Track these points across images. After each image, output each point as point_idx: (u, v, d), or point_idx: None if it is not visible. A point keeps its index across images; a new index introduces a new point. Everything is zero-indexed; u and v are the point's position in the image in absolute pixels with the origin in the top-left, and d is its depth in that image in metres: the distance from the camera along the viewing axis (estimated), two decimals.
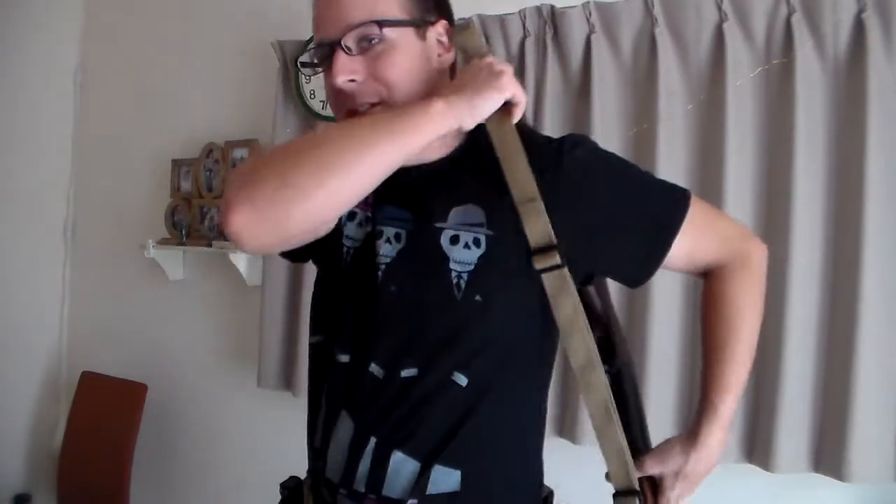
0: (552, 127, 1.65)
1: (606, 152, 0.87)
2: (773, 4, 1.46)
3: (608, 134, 1.61)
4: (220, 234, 2.11)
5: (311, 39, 1.92)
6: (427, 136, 0.74)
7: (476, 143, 0.83)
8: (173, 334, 2.38)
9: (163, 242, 2.24)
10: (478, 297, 0.79)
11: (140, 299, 2.46)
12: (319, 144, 0.73)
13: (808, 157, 1.42)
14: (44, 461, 2.52)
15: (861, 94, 1.38)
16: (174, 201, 2.32)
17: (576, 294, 0.80)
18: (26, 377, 2.54)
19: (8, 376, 2.45)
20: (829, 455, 1.40)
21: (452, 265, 0.79)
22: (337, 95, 0.84)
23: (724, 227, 0.93)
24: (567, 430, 1.61)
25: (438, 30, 0.87)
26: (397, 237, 0.83)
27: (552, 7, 1.65)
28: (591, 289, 0.93)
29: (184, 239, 2.19)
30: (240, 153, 2.16)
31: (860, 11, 1.39)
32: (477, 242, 0.80)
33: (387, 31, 0.80)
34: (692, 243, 0.86)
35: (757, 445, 1.47)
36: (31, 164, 2.51)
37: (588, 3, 1.60)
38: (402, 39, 0.82)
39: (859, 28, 1.40)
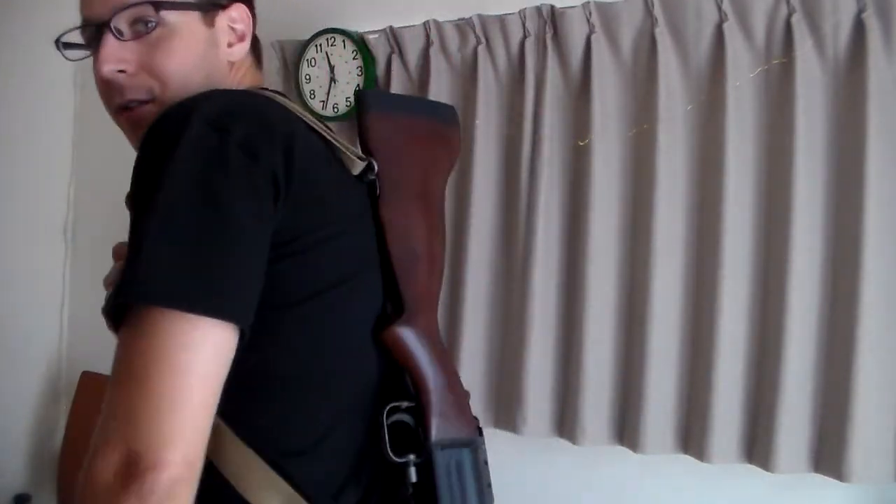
0: (552, 127, 1.66)
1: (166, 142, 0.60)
2: (773, 4, 1.46)
3: (608, 134, 1.61)
4: None
5: (312, 38, 1.93)
6: None
7: None
8: None
9: None
10: None
11: None
12: None
13: (808, 157, 1.42)
14: (44, 461, 2.52)
15: (861, 94, 1.38)
16: None
17: None
18: (26, 377, 2.54)
19: (8, 376, 2.45)
20: (829, 455, 1.40)
21: None
22: (105, 86, 0.73)
23: (138, 407, 0.57)
24: (567, 430, 1.61)
25: (231, 15, 0.76)
26: None
27: (552, 7, 1.64)
28: (419, 354, 0.74)
29: None
30: None
31: (860, 11, 1.39)
32: None
33: (165, 13, 0.69)
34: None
35: (757, 445, 1.47)
36: (31, 164, 2.50)
37: (588, 3, 1.60)
38: (185, 25, 0.71)
39: (859, 28, 1.39)
